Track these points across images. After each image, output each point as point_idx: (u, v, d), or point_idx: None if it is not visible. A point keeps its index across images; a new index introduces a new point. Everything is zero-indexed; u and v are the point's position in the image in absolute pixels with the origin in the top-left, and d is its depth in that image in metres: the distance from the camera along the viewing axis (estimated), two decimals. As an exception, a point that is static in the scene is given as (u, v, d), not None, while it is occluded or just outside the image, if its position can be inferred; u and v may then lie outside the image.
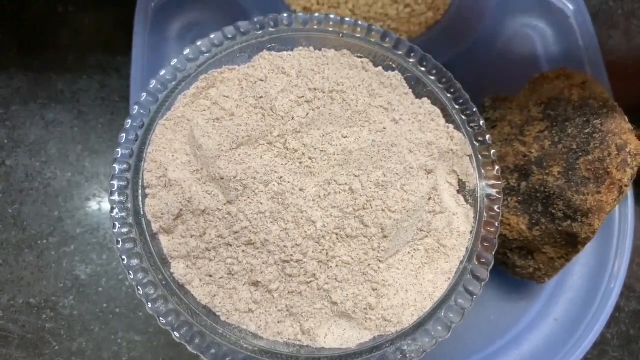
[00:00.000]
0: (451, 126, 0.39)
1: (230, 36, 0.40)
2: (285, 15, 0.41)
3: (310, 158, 0.35)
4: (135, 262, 0.34)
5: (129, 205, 0.35)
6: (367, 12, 0.56)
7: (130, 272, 0.33)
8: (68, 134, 0.56)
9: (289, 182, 0.34)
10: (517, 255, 0.45)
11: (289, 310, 0.34)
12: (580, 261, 0.50)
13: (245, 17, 0.48)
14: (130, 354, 0.49)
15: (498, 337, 0.48)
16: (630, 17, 0.67)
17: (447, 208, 0.37)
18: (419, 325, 0.34)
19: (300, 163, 0.35)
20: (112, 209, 0.34)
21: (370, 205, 0.34)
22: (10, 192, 0.53)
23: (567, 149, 0.41)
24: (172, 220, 0.34)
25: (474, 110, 0.40)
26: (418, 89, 0.40)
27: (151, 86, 0.38)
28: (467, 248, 0.37)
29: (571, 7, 0.59)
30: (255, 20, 0.40)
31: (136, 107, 0.37)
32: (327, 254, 0.33)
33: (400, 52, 0.41)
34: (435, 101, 0.40)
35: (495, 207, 0.37)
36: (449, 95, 0.40)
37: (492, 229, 0.37)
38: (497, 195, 0.38)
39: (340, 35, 0.41)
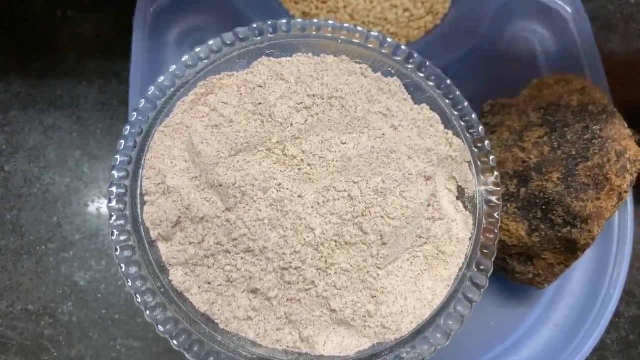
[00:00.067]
0: (450, 132, 0.39)
1: (229, 42, 0.40)
2: (284, 21, 0.41)
3: (309, 165, 0.35)
4: (133, 269, 0.33)
5: (128, 213, 0.35)
6: (366, 17, 0.56)
7: (129, 279, 0.33)
8: (67, 139, 0.56)
9: (287, 188, 0.34)
10: (517, 261, 0.45)
11: (288, 318, 0.34)
12: (579, 267, 0.50)
13: (244, 22, 0.48)
14: (129, 360, 0.49)
15: (497, 343, 0.48)
16: (629, 20, 0.67)
17: (446, 214, 0.37)
18: (418, 333, 0.34)
19: (299, 170, 0.35)
20: (111, 216, 0.34)
21: (369, 212, 0.34)
22: (9, 197, 0.53)
23: (566, 155, 0.41)
24: (171, 228, 0.34)
25: (473, 116, 0.40)
26: (417, 95, 0.40)
27: (150, 93, 0.38)
28: (466, 255, 0.36)
29: (570, 11, 0.59)
30: (254, 26, 0.40)
31: (135, 113, 0.37)
32: (325, 261, 0.33)
33: (399, 58, 0.41)
34: (435, 107, 0.40)
35: (495, 214, 0.37)
36: (447, 101, 0.40)
37: (492, 236, 0.37)
38: (497, 202, 0.38)
39: (339, 41, 0.41)
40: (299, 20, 0.41)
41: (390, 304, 0.34)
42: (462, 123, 0.39)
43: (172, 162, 0.36)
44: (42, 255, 0.52)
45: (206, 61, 0.39)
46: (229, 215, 0.33)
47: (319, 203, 0.34)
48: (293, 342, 0.34)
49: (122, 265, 0.33)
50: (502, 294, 0.49)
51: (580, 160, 0.41)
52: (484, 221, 0.37)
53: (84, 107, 0.57)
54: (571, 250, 0.42)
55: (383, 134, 0.36)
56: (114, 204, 0.35)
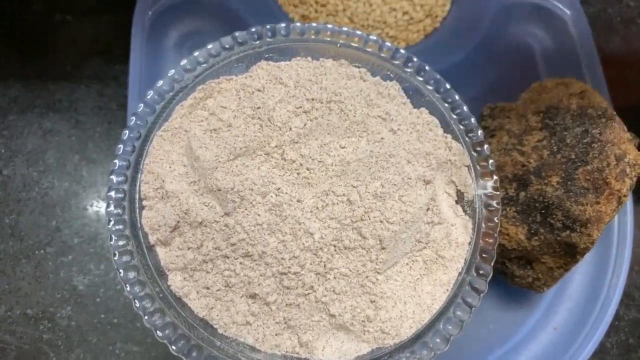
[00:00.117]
0: (449, 136, 0.39)
1: (227, 46, 0.40)
2: (283, 25, 0.41)
3: (308, 169, 0.35)
4: (132, 274, 0.33)
5: (126, 218, 0.34)
6: (365, 20, 0.56)
7: (127, 285, 0.33)
8: (66, 143, 0.56)
9: (286, 193, 0.34)
10: (516, 265, 0.45)
11: (287, 323, 0.33)
12: (579, 270, 0.50)
13: (243, 26, 0.48)
14: (128, 365, 0.49)
15: (497, 347, 0.48)
16: (629, 23, 0.67)
17: (446, 219, 0.37)
18: (417, 338, 0.34)
19: (298, 174, 0.34)
20: (109, 221, 0.34)
21: (368, 216, 0.34)
22: (8, 201, 0.53)
23: (565, 159, 0.41)
24: (169, 232, 0.34)
25: (472, 120, 0.40)
26: (416, 98, 0.40)
27: (148, 97, 0.38)
28: (465, 259, 0.36)
29: (569, 14, 0.59)
30: (253, 30, 0.40)
31: (133, 118, 0.37)
32: (324, 265, 0.33)
33: (397, 62, 0.41)
34: (434, 111, 0.40)
35: (494, 218, 0.37)
36: (446, 104, 0.40)
37: (491, 240, 0.37)
38: (496, 206, 0.38)
39: (338, 45, 0.41)
40: (298, 24, 0.41)
41: (390, 309, 0.34)
42: (461, 127, 0.39)
43: (170, 167, 0.36)
44: (40, 259, 0.52)
45: (205, 65, 0.39)
46: (228, 220, 0.33)
47: (317, 207, 0.34)
48: (292, 347, 0.34)
49: (121, 270, 0.33)
50: (501, 298, 0.49)
51: (579, 164, 0.41)
52: (483, 225, 0.37)
53: (82, 110, 0.57)
54: (571, 254, 0.42)
55: (382, 138, 0.36)
56: (112, 208, 0.35)
